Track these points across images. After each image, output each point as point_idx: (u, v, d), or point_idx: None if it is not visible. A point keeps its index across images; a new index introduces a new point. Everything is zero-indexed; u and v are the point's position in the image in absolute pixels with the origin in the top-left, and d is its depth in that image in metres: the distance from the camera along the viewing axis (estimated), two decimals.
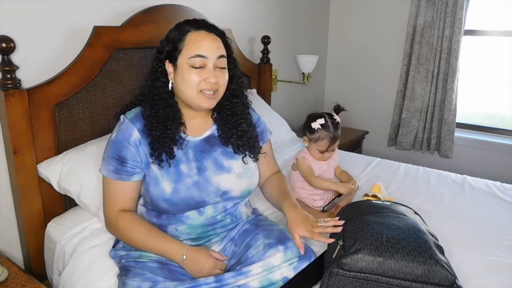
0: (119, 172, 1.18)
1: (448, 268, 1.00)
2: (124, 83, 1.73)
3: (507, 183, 1.99)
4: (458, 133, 2.95)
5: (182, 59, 1.16)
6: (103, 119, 1.67)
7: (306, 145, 1.66)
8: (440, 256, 1.03)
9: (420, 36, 2.85)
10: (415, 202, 1.71)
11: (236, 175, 1.26)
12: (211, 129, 1.29)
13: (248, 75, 2.42)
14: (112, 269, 1.26)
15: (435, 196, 1.82)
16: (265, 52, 2.50)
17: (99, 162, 1.24)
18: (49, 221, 1.51)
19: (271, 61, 2.54)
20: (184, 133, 1.23)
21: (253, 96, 2.27)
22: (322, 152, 1.61)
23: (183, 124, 1.23)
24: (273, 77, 2.67)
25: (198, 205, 1.21)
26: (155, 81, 1.22)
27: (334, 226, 1.16)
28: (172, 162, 1.19)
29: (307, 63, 2.69)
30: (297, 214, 1.23)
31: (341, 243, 1.08)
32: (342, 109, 1.77)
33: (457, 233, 1.47)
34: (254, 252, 1.19)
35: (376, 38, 3.17)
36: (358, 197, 1.68)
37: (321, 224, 1.18)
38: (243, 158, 1.29)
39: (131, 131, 1.18)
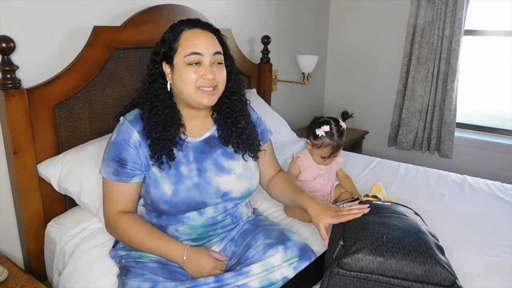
0: (119, 174, 1.18)
1: (448, 268, 1.00)
2: (124, 83, 1.73)
3: (507, 183, 1.99)
4: (458, 133, 2.95)
5: (178, 59, 1.16)
6: (103, 119, 1.67)
7: (309, 148, 1.63)
8: (441, 256, 1.03)
9: (420, 36, 2.85)
10: (415, 202, 1.71)
11: (236, 176, 1.26)
12: (211, 130, 1.29)
13: (248, 75, 2.42)
14: (112, 269, 1.26)
15: (435, 196, 1.82)
16: (265, 52, 2.50)
17: (99, 162, 1.23)
18: (49, 221, 1.51)
19: (271, 61, 2.54)
20: (184, 134, 1.23)
21: (253, 96, 2.27)
22: (323, 157, 1.60)
23: (182, 125, 1.23)
24: (273, 77, 2.67)
25: (198, 206, 1.21)
26: (152, 83, 1.22)
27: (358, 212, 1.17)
28: (172, 164, 1.19)
29: (307, 63, 2.69)
30: (319, 205, 1.23)
31: (342, 243, 1.08)
32: (350, 116, 1.71)
33: (457, 233, 1.47)
34: (254, 252, 1.19)
35: (376, 38, 3.17)
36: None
37: (345, 208, 1.20)
38: (243, 155, 1.28)
39: (131, 133, 1.18)
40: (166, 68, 1.20)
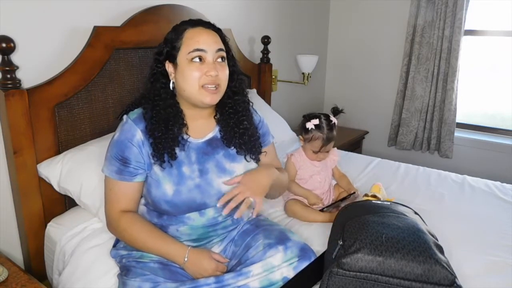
0: (121, 173, 1.18)
1: (447, 268, 1.00)
2: (124, 83, 1.73)
3: (507, 183, 1.99)
4: (458, 133, 2.95)
5: (182, 56, 1.16)
6: (103, 119, 1.67)
7: (302, 144, 1.66)
8: (440, 255, 1.03)
9: (420, 36, 2.85)
10: (415, 202, 1.71)
11: None
12: (213, 131, 1.28)
13: (248, 75, 2.42)
14: (112, 269, 1.26)
15: (435, 196, 1.82)
16: (265, 52, 2.50)
17: (99, 162, 1.23)
18: (49, 221, 1.51)
19: (271, 61, 2.54)
20: (187, 134, 1.23)
21: (253, 96, 2.27)
22: (315, 152, 1.61)
23: (185, 125, 1.23)
24: (273, 77, 2.67)
25: (199, 207, 1.21)
26: (155, 82, 1.22)
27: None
28: (174, 164, 1.19)
29: (307, 63, 2.69)
30: (256, 171, 1.27)
31: (341, 242, 1.08)
32: (341, 111, 1.77)
33: (457, 233, 1.47)
34: (254, 253, 1.19)
35: (376, 38, 3.17)
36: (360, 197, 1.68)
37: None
38: (245, 156, 1.28)
39: (134, 132, 1.18)
40: (169, 67, 1.20)
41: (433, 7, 2.77)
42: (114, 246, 1.31)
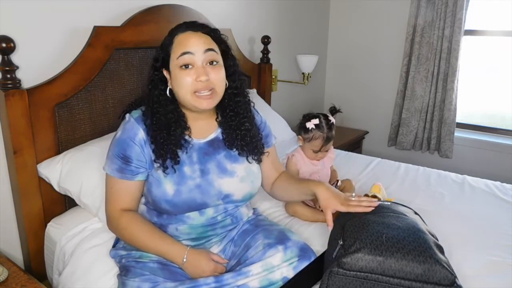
0: (123, 171, 1.17)
1: (448, 268, 1.00)
2: (124, 83, 1.73)
3: (507, 183, 1.99)
4: (458, 133, 2.95)
5: (173, 63, 1.16)
6: (103, 119, 1.67)
7: (301, 144, 1.67)
8: (440, 255, 1.03)
9: (420, 36, 2.85)
10: (415, 202, 1.71)
11: (239, 179, 1.25)
12: (216, 131, 1.28)
13: (248, 75, 2.42)
14: (112, 269, 1.26)
15: (435, 196, 1.82)
16: (265, 52, 2.50)
17: (100, 162, 1.23)
18: (49, 221, 1.51)
19: (271, 61, 2.54)
20: (190, 136, 1.23)
21: (253, 96, 2.27)
22: (315, 152, 1.62)
23: (188, 128, 1.22)
24: (273, 77, 2.67)
25: (199, 207, 1.21)
26: (153, 89, 1.21)
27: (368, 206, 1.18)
28: (176, 165, 1.18)
29: (307, 63, 2.69)
30: (329, 190, 1.23)
31: (341, 242, 1.08)
32: (338, 111, 1.79)
33: (457, 233, 1.47)
34: (254, 252, 1.19)
35: (376, 38, 3.17)
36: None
37: (354, 198, 1.20)
38: (247, 158, 1.28)
39: (136, 131, 1.17)
40: (166, 74, 1.20)
41: (433, 7, 2.77)
42: (114, 246, 1.31)
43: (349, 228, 1.11)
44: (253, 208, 1.46)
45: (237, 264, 1.21)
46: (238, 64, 1.28)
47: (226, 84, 1.23)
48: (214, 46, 1.19)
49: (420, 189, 1.89)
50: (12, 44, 1.33)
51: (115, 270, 1.25)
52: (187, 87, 1.14)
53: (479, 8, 2.82)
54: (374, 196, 1.56)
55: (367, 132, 3.21)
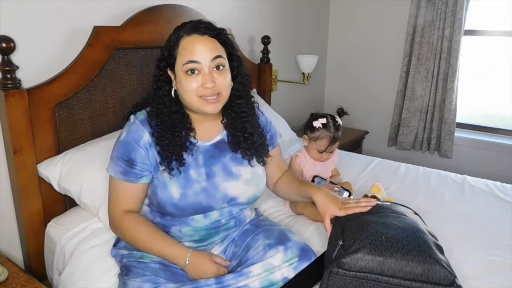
0: (127, 174, 1.16)
1: (447, 267, 1.00)
2: (124, 83, 1.73)
3: (507, 183, 1.99)
4: (458, 133, 2.95)
5: (178, 67, 1.13)
6: (103, 119, 1.67)
7: (306, 144, 1.67)
8: (440, 255, 1.03)
9: (420, 36, 2.85)
10: (415, 202, 1.70)
11: (244, 181, 1.24)
12: (221, 134, 1.27)
13: None
14: (112, 269, 1.26)
15: (435, 196, 1.82)
16: (265, 52, 2.50)
17: (100, 162, 1.23)
18: (49, 221, 1.51)
19: (271, 61, 2.54)
20: (195, 138, 1.21)
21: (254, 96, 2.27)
22: (320, 152, 1.61)
23: (192, 129, 1.21)
24: (273, 77, 2.67)
25: (204, 210, 1.20)
26: (158, 90, 1.19)
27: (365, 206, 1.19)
28: (182, 167, 1.17)
29: (307, 63, 2.69)
30: (326, 195, 1.24)
31: (341, 242, 1.08)
32: (345, 113, 1.78)
33: (457, 233, 1.47)
34: (254, 253, 1.19)
35: (376, 38, 3.17)
36: (358, 197, 1.68)
37: (352, 201, 1.21)
38: (249, 161, 1.26)
39: (141, 133, 1.16)
40: (171, 74, 1.18)
41: (433, 7, 2.77)
42: (115, 245, 1.30)
43: (348, 229, 1.11)
44: (255, 209, 1.46)
45: (237, 264, 1.21)
46: (243, 64, 1.26)
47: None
48: (221, 51, 1.16)
49: (420, 189, 1.89)
50: (12, 44, 1.33)
51: (115, 270, 1.25)
52: (193, 91, 1.12)
53: (479, 8, 2.82)
54: (374, 197, 1.56)
55: (367, 132, 3.21)
